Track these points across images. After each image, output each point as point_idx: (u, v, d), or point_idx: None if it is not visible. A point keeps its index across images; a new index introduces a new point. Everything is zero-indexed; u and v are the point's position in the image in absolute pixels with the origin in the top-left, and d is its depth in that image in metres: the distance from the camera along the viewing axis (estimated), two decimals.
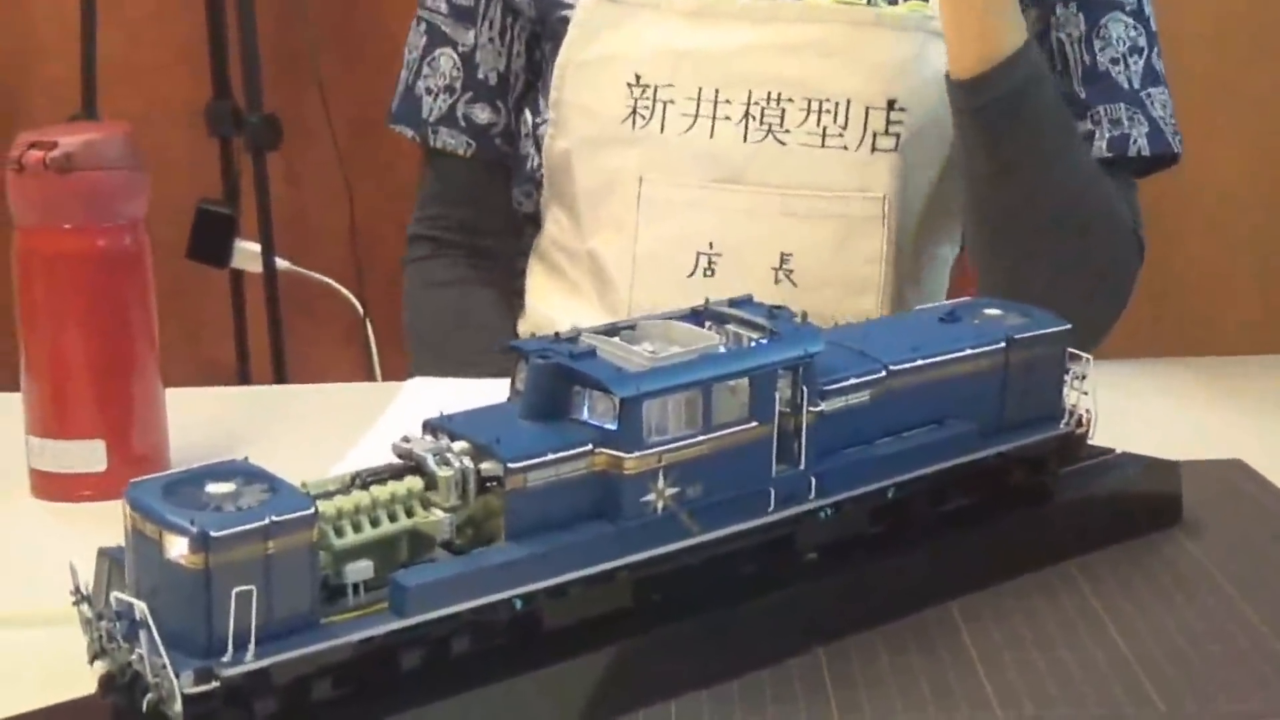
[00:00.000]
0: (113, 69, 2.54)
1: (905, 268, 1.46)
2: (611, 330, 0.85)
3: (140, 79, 2.69)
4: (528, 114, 1.54)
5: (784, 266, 1.42)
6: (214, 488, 0.72)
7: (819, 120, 1.40)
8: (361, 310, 2.59)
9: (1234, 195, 2.74)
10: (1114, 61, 1.48)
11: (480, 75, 1.55)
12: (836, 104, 1.40)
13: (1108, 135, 1.47)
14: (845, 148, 1.40)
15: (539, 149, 1.51)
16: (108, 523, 0.79)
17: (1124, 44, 1.49)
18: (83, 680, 0.76)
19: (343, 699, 0.74)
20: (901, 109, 1.41)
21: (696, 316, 0.88)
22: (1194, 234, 2.73)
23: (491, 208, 1.62)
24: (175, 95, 2.70)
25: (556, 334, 0.84)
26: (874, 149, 1.41)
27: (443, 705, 0.75)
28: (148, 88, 2.69)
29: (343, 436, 1.16)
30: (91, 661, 0.74)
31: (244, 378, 2.65)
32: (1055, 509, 0.98)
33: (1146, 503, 1.02)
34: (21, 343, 1.13)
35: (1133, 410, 1.07)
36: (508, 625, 0.78)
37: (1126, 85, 1.47)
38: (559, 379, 0.81)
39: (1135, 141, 1.47)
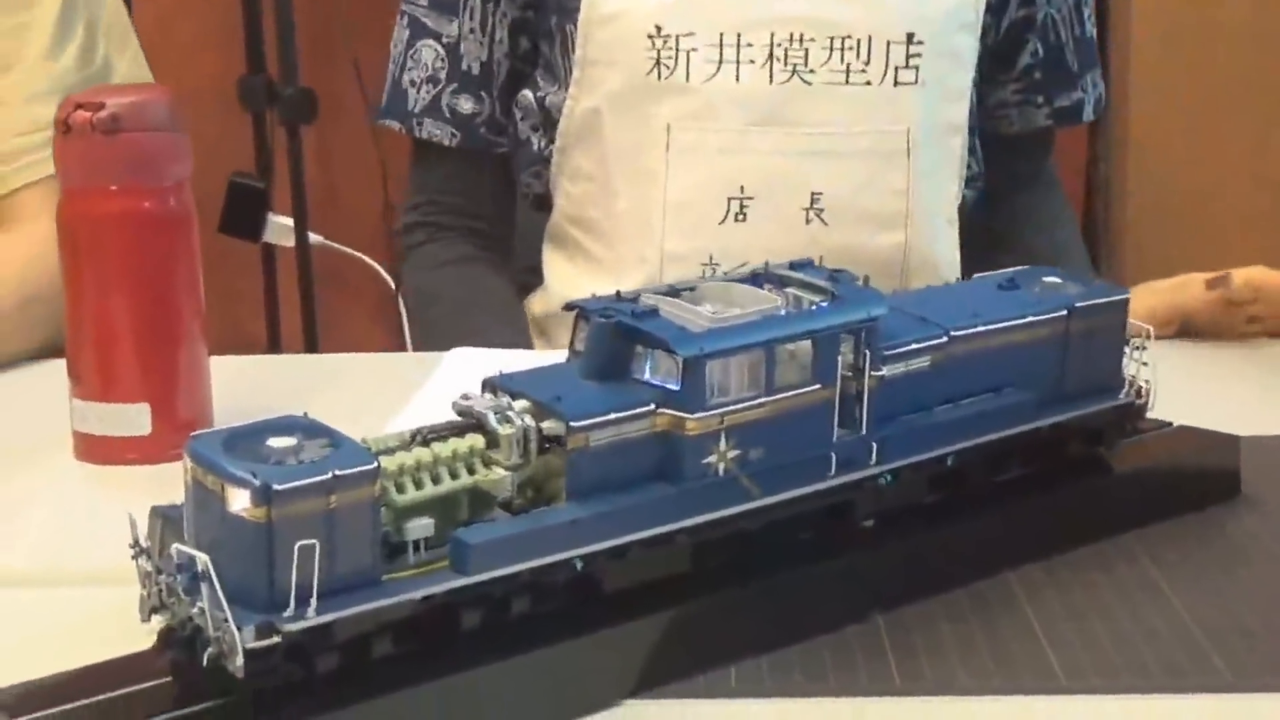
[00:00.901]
0: (146, 51, 2.54)
1: (929, 199, 1.46)
2: (672, 291, 0.84)
3: (173, 60, 2.67)
4: (527, 93, 1.53)
5: (814, 206, 1.42)
6: (275, 441, 0.72)
7: (842, 58, 1.41)
8: (394, 285, 2.56)
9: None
10: (1091, 20, 1.58)
11: (464, 66, 1.55)
12: (859, 40, 1.41)
13: (1091, 99, 1.60)
14: (869, 83, 1.41)
15: (548, 123, 1.50)
16: (151, 486, 0.78)
17: (1090, 3, 1.58)
18: (127, 639, 0.75)
19: (403, 656, 0.73)
20: (920, 41, 1.42)
21: (756, 279, 0.87)
22: (1237, 229, 2.71)
23: (481, 196, 1.62)
24: (207, 76, 2.69)
25: (618, 293, 0.83)
26: (896, 83, 1.42)
27: (502, 665, 0.74)
28: (180, 69, 2.67)
29: (385, 405, 1.14)
30: (147, 616, 0.74)
31: (276, 352, 2.64)
32: (1113, 480, 0.97)
33: (1205, 476, 1.01)
34: (66, 305, 1.13)
35: (1190, 384, 1.05)
36: (567, 586, 0.77)
37: (1096, 43, 1.58)
38: (621, 338, 0.80)
39: (1100, 99, 1.63)
